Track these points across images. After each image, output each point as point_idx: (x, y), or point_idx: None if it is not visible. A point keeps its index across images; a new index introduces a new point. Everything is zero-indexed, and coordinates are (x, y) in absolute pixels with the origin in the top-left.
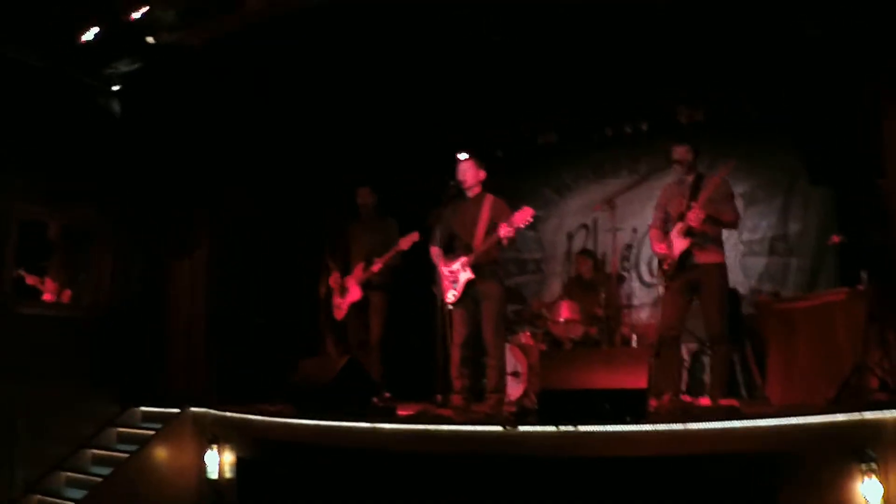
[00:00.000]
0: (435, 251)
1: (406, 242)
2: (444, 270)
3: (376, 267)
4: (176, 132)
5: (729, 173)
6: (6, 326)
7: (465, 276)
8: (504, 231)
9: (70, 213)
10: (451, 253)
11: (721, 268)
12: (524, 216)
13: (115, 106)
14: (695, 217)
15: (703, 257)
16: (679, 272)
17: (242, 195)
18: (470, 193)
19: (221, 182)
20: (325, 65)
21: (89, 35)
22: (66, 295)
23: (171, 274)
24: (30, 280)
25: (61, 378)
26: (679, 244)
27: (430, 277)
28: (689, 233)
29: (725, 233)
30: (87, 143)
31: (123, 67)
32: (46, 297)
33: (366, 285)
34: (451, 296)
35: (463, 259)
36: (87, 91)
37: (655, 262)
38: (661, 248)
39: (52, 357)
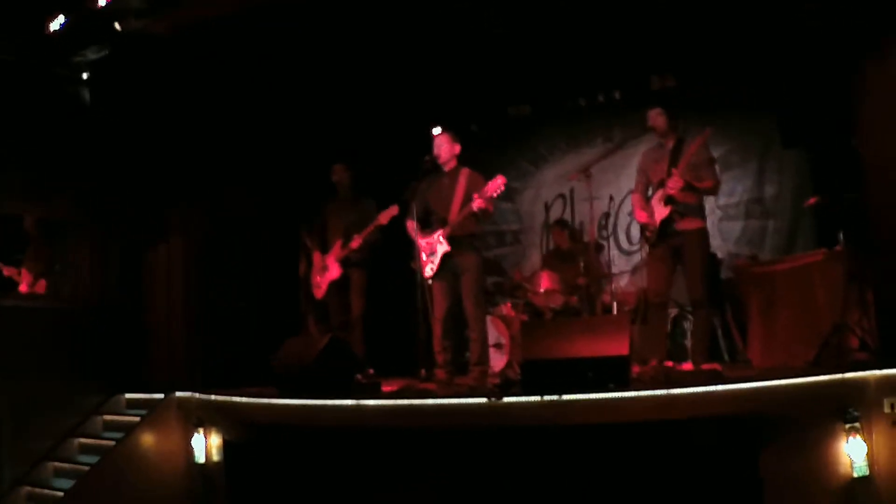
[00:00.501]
0: (411, 225)
1: (385, 217)
2: (422, 244)
3: (355, 243)
4: (147, 119)
5: (706, 140)
6: None
7: (442, 248)
8: (478, 202)
9: (45, 204)
10: (427, 227)
11: (702, 233)
12: (496, 185)
13: (85, 94)
14: (673, 185)
15: (684, 224)
16: (661, 239)
17: (216, 179)
18: (445, 167)
19: (194, 167)
20: (295, 42)
21: (56, 24)
22: (42, 286)
23: (150, 261)
24: (6, 271)
25: (43, 369)
26: (660, 211)
27: (408, 252)
28: (669, 200)
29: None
30: (60, 134)
31: (92, 55)
32: (23, 288)
33: (345, 262)
34: (428, 269)
35: (439, 232)
36: (57, 80)
37: (634, 230)
38: (642, 217)
39: (32, 349)
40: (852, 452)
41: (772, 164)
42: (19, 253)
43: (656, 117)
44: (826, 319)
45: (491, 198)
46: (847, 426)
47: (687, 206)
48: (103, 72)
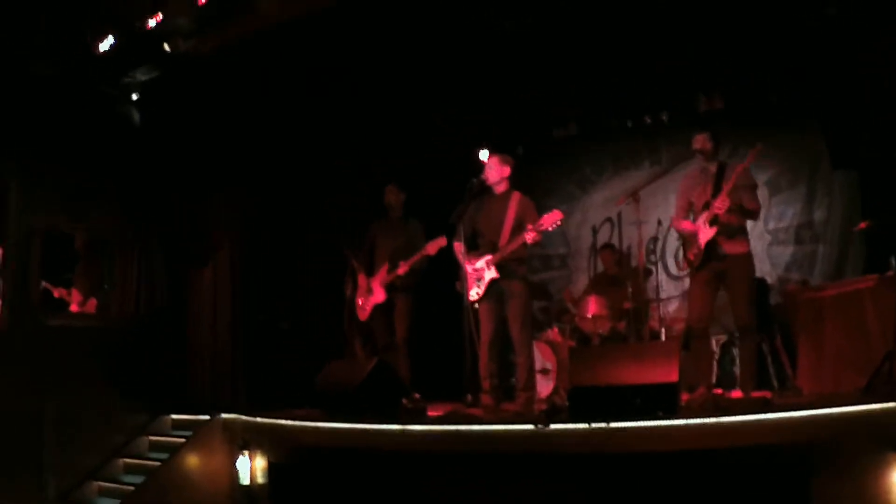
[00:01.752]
0: (459, 248)
1: (433, 247)
2: (469, 268)
3: (401, 270)
4: (194, 139)
5: (754, 161)
6: (35, 338)
7: (490, 274)
8: (531, 235)
9: (94, 223)
10: (474, 250)
11: (748, 257)
12: (552, 219)
13: (135, 114)
14: (721, 205)
15: (730, 247)
16: (705, 263)
17: (264, 199)
18: (496, 190)
19: (241, 187)
20: (341, 65)
21: (106, 44)
22: (92, 304)
23: (195, 281)
24: (57, 293)
25: (90, 388)
26: (705, 234)
27: (454, 275)
28: (714, 222)
29: (750, 222)
30: (108, 153)
31: (141, 76)
32: (73, 308)
33: (390, 287)
34: (474, 293)
35: (488, 258)
36: (106, 100)
37: (682, 254)
38: (689, 226)
39: (80, 367)
40: None
41: (821, 188)
42: (69, 272)
43: (704, 142)
44: (878, 347)
45: (545, 231)
46: None
47: (732, 227)
48: (153, 92)
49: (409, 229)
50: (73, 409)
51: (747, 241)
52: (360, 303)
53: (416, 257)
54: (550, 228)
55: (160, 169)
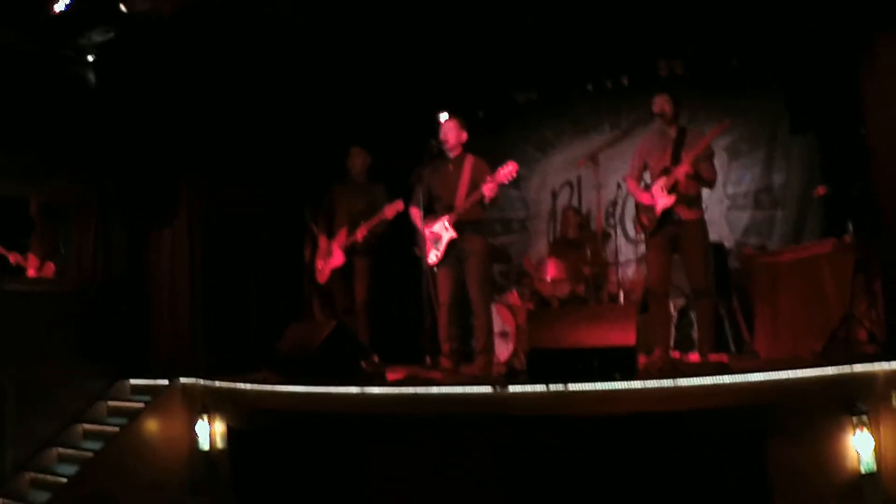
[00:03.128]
0: (416, 212)
1: (391, 211)
2: (426, 231)
3: (360, 234)
4: (152, 101)
5: (719, 135)
6: None
7: (448, 235)
8: (489, 188)
9: (50, 187)
10: (432, 214)
11: (701, 223)
12: (507, 172)
13: (91, 77)
14: (682, 173)
15: (685, 213)
16: (659, 228)
17: (221, 162)
18: (451, 154)
19: (199, 150)
20: (303, 27)
21: (61, 5)
22: (49, 269)
23: (154, 245)
24: (13, 258)
25: (49, 354)
26: (662, 200)
27: (413, 239)
28: (673, 190)
29: (706, 189)
30: (65, 116)
31: (97, 37)
32: (30, 272)
33: (349, 250)
34: (433, 256)
35: (445, 218)
36: (62, 62)
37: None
38: (646, 199)
39: (38, 333)
40: (859, 446)
41: (780, 153)
42: (25, 237)
43: (663, 104)
44: (834, 311)
45: (502, 183)
46: (854, 420)
47: (688, 196)
48: (108, 54)
49: (371, 192)
50: (30, 376)
51: (701, 207)
52: (320, 266)
53: (374, 220)
54: (506, 181)
55: (118, 132)
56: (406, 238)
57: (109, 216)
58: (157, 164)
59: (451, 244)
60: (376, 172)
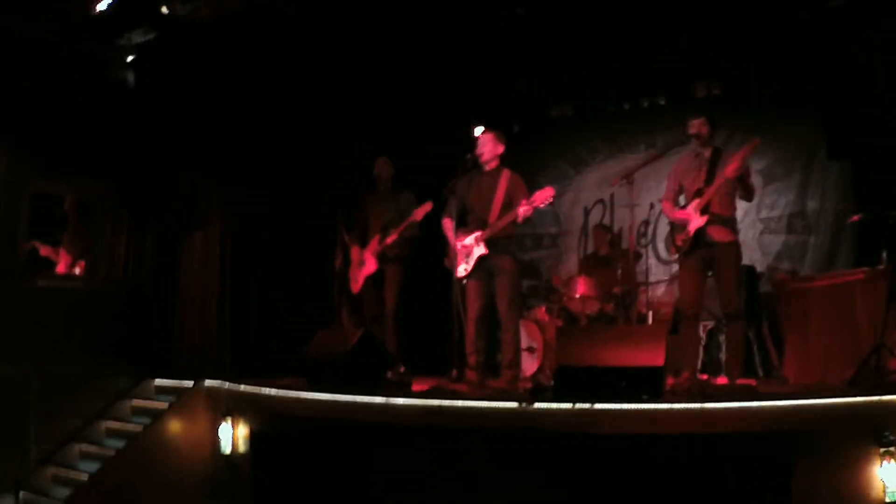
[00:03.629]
0: (448, 224)
1: (420, 213)
2: (457, 244)
3: (391, 238)
4: (188, 104)
5: (750, 155)
6: (21, 299)
7: (479, 250)
8: (523, 210)
9: (84, 185)
10: (464, 226)
11: (735, 245)
12: (544, 196)
13: (129, 77)
14: (718, 186)
15: (718, 235)
16: (693, 249)
17: (256, 167)
18: (487, 167)
19: (233, 154)
20: (339, 36)
21: (103, 5)
22: (80, 266)
23: (185, 246)
24: (44, 251)
25: (75, 351)
26: (695, 221)
27: (444, 250)
28: (705, 211)
29: (742, 210)
30: (102, 116)
31: (137, 38)
32: (60, 269)
33: (381, 257)
34: (462, 269)
35: (477, 234)
36: (100, 62)
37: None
38: (681, 215)
39: (66, 329)
40: (886, 477)
41: (815, 178)
42: (57, 233)
43: (700, 126)
44: (865, 339)
45: (537, 207)
46: (882, 450)
47: (722, 217)
48: (147, 55)
49: (400, 200)
50: (56, 372)
51: (735, 229)
52: (353, 274)
53: (404, 224)
54: (542, 205)
55: (154, 133)
56: (437, 249)
57: (142, 217)
58: (192, 168)
59: (482, 259)
60: (408, 183)
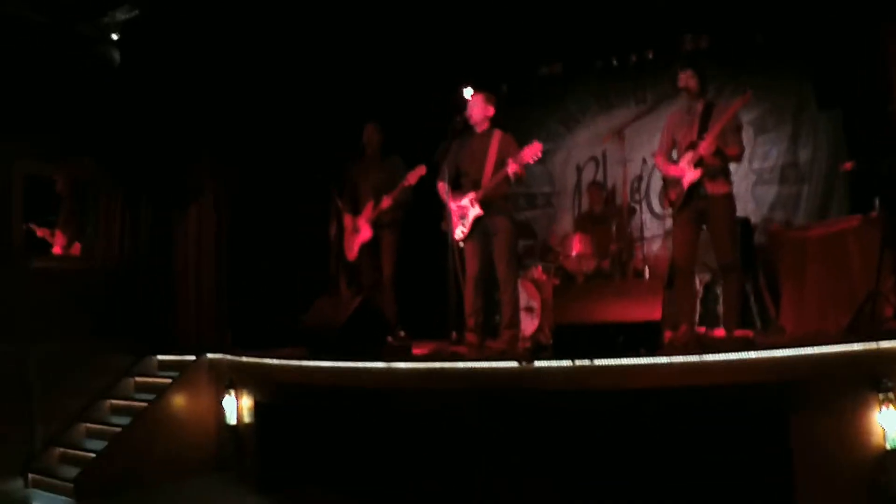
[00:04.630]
0: (442, 187)
1: (413, 177)
2: (453, 206)
3: (385, 203)
4: (177, 80)
5: (742, 107)
6: (18, 281)
7: (474, 212)
8: (512, 167)
9: (76, 165)
10: (458, 189)
11: (729, 198)
12: (532, 151)
13: (115, 55)
14: (706, 148)
15: (713, 188)
16: (687, 203)
17: (246, 139)
18: (478, 129)
19: (225, 127)
20: (325, 4)
21: None
22: (77, 248)
23: (180, 222)
24: (40, 232)
25: (76, 330)
26: (689, 174)
27: (440, 214)
28: (699, 164)
29: (733, 163)
30: (89, 95)
31: (122, 15)
32: (56, 250)
33: (376, 224)
34: (459, 232)
35: (471, 195)
36: (86, 41)
37: (664, 194)
38: (674, 171)
39: (66, 310)
40: (885, 423)
41: (807, 128)
42: (52, 215)
43: (688, 79)
44: (860, 286)
45: (526, 163)
46: (880, 396)
47: (715, 169)
48: (132, 32)
49: (389, 165)
50: (58, 353)
51: (729, 181)
52: (349, 242)
53: (398, 189)
54: (532, 160)
55: (143, 110)
56: (433, 213)
57: (135, 194)
58: (182, 143)
59: (478, 220)
60: (397, 148)
